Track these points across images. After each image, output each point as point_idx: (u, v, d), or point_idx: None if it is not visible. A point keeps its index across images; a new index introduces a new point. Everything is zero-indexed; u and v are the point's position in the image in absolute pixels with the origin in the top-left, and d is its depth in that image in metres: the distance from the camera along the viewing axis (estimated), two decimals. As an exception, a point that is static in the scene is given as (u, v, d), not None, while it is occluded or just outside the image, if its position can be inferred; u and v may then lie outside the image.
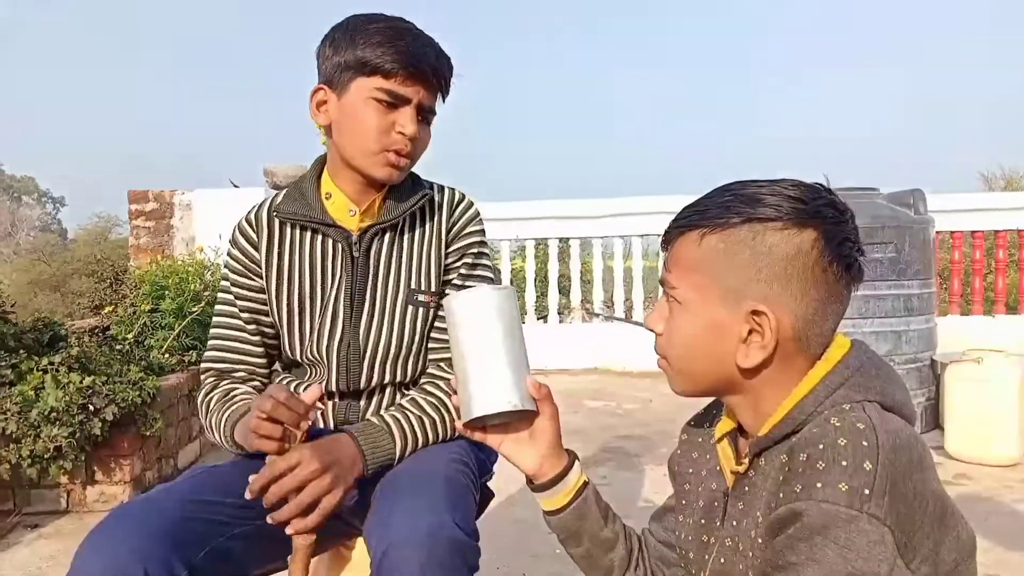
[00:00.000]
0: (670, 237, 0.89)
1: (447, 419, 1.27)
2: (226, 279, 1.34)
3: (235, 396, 1.29)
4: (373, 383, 1.31)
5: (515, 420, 1.01)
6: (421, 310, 1.31)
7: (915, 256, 3.79)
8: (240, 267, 1.33)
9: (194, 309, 4.01)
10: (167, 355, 3.81)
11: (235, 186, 5.82)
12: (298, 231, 1.31)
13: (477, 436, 1.03)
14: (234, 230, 1.34)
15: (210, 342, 1.35)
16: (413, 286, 1.31)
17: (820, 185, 0.84)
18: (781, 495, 0.75)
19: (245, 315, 1.33)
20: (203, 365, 1.36)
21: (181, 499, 1.09)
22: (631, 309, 6.37)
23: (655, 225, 5.89)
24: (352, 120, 1.22)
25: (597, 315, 6.45)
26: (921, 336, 3.88)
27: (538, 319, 6.54)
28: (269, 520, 1.06)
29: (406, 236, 1.32)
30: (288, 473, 1.06)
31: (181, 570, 1.00)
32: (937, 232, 4.33)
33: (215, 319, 1.36)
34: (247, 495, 1.05)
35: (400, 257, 1.31)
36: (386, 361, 1.31)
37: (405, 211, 1.30)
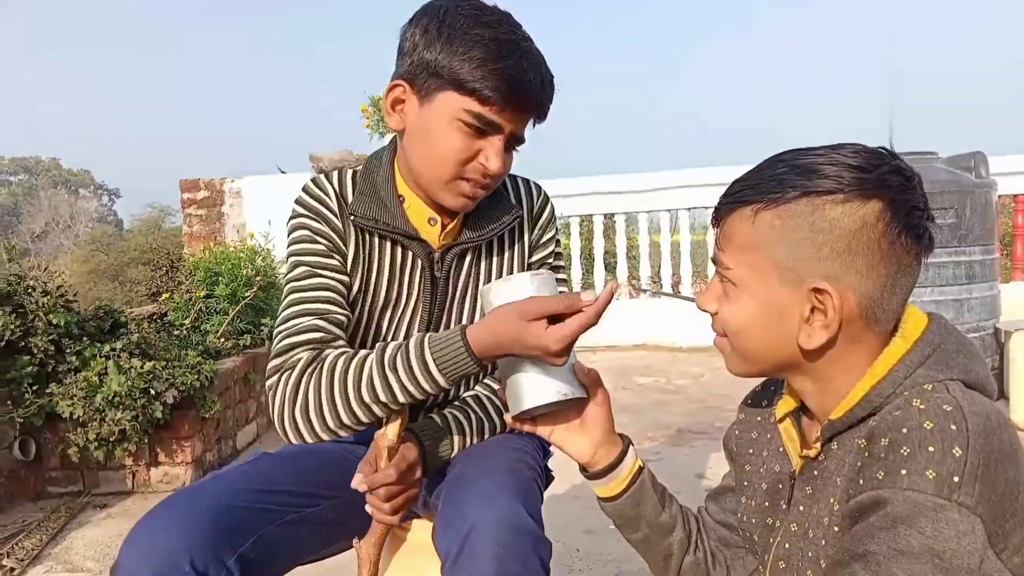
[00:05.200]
0: (721, 213, 0.84)
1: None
2: (302, 252, 1.15)
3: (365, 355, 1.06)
4: (437, 400, 1.27)
5: (564, 408, 0.97)
6: None
7: (976, 221, 3.67)
8: (324, 247, 1.14)
9: (247, 294, 4.10)
10: (222, 339, 3.90)
11: (283, 172, 5.89)
12: (376, 238, 1.17)
13: (527, 427, 0.99)
14: (309, 208, 1.15)
15: (293, 321, 1.10)
16: None
17: (884, 150, 0.78)
18: (861, 481, 0.72)
19: (336, 295, 1.13)
20: (286, 341, 1.08)
21: (230, 488, 1.07)
22: (678, 284, 6.29)
23: (702, 198, 5.78)
24: (430, 138, 1.06)
25: (644, 291, 6.39)
26: (984, 304, 3.76)
27: (584, 296, 6.48)
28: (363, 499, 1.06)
29: (492, 256, 1.23)
30: (401, 479, 1.05)
31: (229, 558, 0.99)
32: (999, 196, 4.16)
33: (295, 296, 1.12)
34: (361, 486, 1.03)
35: (479, 276, 1.23)
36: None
37: (494, 232, 1.19)
